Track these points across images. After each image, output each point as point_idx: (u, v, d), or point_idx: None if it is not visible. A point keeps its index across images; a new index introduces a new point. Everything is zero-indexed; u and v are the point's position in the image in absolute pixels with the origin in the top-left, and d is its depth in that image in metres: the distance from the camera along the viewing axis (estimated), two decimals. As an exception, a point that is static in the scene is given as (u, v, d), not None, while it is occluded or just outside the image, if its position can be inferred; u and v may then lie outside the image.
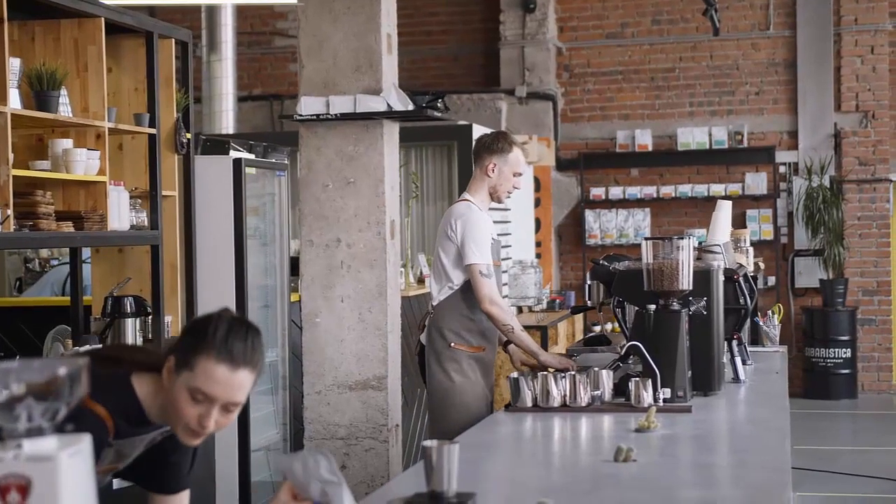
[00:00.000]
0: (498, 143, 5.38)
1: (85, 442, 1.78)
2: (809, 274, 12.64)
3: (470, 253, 5.16)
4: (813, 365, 12.38)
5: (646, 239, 4.49)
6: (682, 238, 4.46)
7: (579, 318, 11.29)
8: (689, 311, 4.48)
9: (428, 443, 2.71)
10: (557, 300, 11.06)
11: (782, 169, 12.79)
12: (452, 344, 5.26)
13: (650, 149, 12.93)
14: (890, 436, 10.79)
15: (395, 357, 6.08)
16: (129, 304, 5.47)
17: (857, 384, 12.48)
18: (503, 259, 9.97)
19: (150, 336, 5.64)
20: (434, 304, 5.36)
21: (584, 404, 4.26)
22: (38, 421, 1.75)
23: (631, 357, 4.48)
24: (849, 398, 12.31)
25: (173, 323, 5.92)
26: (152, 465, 2.86)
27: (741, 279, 5.10)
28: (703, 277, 4.58)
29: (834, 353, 12.30)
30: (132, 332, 5.46)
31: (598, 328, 12.38)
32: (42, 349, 5.90)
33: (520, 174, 5.41)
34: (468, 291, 5.26)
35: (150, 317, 5.62)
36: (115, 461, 2.77)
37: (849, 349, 12.32)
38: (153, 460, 2.84)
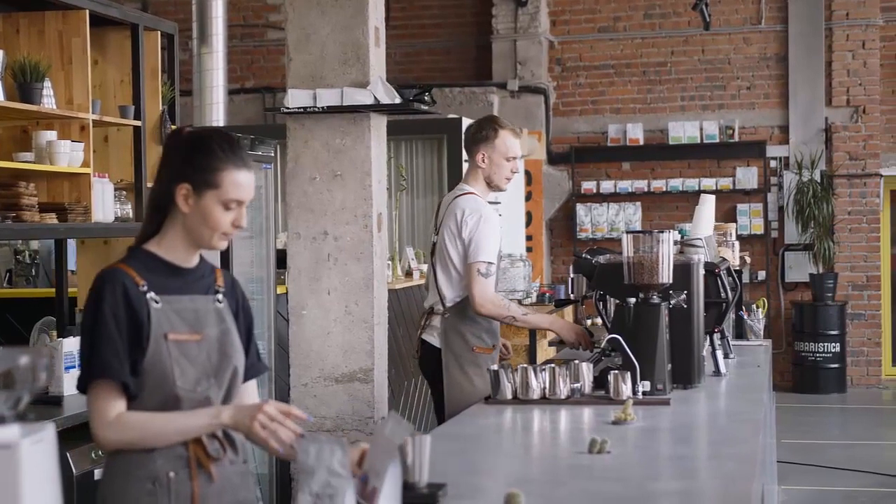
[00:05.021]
0: (482, 130, 5.25)
1: (48, 431, 1.80)
2: (799, 268, 12.66)
3: (475, 250, 5.04)
4: (802, 359, 12.41)
5: (627, 232, 4.50)
6: (663, 232, 4.47)
7: (569, 311, 11.31)
8: (669, 304, 4.49)
9: (399, 434, 2.73)
10: (548, 294, 11.07)
11: (773, 163, 12.82)
12: (474, 348, 5.15)
13: (641, 143, 12.95)
14: (878, 430, 10.84)
15: (382, 350, 6.09)
16: (113, 296, 5.46)
17: (847, 378, 12.52)
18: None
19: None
20: (448, 304, 5.19)
21: (563, 397, 4.28)
22: None
23: (612, 350, 4.49)
24: (838, 392, 12.35)
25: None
26: None
27: (723, 273, 5.11)
28: (683, 271, 4.58)
29: (823, 347, 12.33)
30: (117, 323, 5.46)
31: (589, 321, 12.40)
32: (29, 340, 5.92)
33: (513, 158, 5.24)
34: None
35: (135, 308, 5.62)
36: (191, 328, 2.87)
37: (838, 343, 12.36)
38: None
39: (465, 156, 9.91)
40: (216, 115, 11.00)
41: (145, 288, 2.84)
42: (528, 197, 12.41)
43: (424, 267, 8.31)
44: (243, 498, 2.93)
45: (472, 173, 5.31)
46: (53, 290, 5.97)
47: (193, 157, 2.87)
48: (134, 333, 2.79)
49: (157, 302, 2.83)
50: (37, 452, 1.76)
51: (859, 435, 10.50)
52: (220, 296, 2.97)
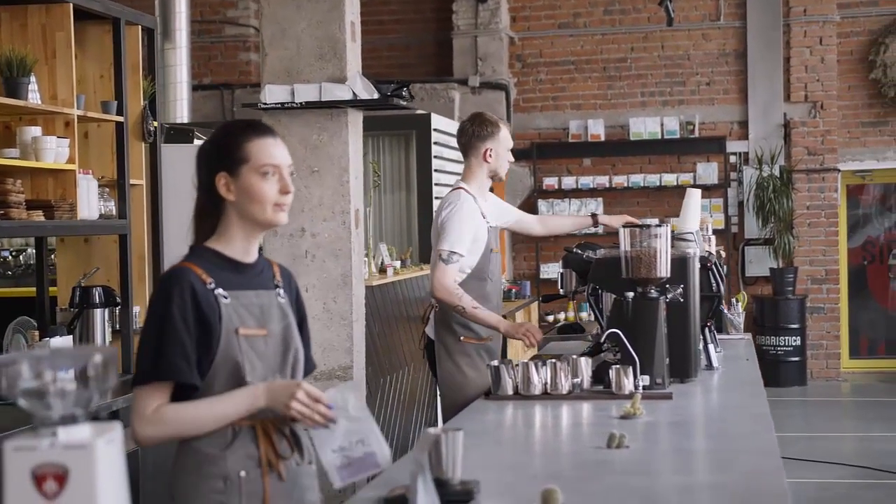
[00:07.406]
0: (486, 128, 5.39)
1: (117, 430, 1.76)
2: (760, 263, 12.77)
3: (441, 238, 5.13)
4: (763, 353, 12.49)
5: (624, 226, 4.50)
6: (660, 226, 4.47)
7: (535, 307, 11.33)
8: (667, 298, 4.49)
9: (433, 430, 2.70)
10: (513, 290, 11.09)
11: (733, 159, 12.91)
12: (462, 338, 5.23)
13: (602, 139, 12.99)
14: (839, 422, 10.96)
15: (360, 347, 6.06)
16: (97, 295, 5.38)
17: (807, 371, 12.65)
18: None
19: (118, 327, 5.56)
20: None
21: (564, 392, 4.27)
22: (71, 409, 1.73)
23: (606, 344, 4.48)
24: (799, 385, 12.47)
25: (141, 313, 5.84)
26: None
27: (713, 266, 5.13)
28: (679, 264, 4.59)
29: (784, 340, 12.44)
30: (101, 322, 5.37)
31: (550, 318, 12.44)
32: (2, 341, 5.80)
33: (510, 147, 5.49)
34: (470, 283, 5.19)
35: (118, 307, 5.54)
36: (258, 323, 2.85)
37: (798, 337, 12.48)
38: None
39: (434, 152, 9.92)
40: (180, 111, 10.95)
41: (213, 285, 2.82)
42: (490, 193, 12.39)
43: (398, 263, 8.28)
44: (310, 499, 2.91)
45: (473, 170, 5.39)
46: (31, 288, 5.86)
47: (218, 147, 2.89)
48: (203, 333, 2.77)
49: (225, 297, 2.82)
50: (109, 452, 1.72)
51: (821, 427, 10.60)
52: (281, 290, 2.96)
